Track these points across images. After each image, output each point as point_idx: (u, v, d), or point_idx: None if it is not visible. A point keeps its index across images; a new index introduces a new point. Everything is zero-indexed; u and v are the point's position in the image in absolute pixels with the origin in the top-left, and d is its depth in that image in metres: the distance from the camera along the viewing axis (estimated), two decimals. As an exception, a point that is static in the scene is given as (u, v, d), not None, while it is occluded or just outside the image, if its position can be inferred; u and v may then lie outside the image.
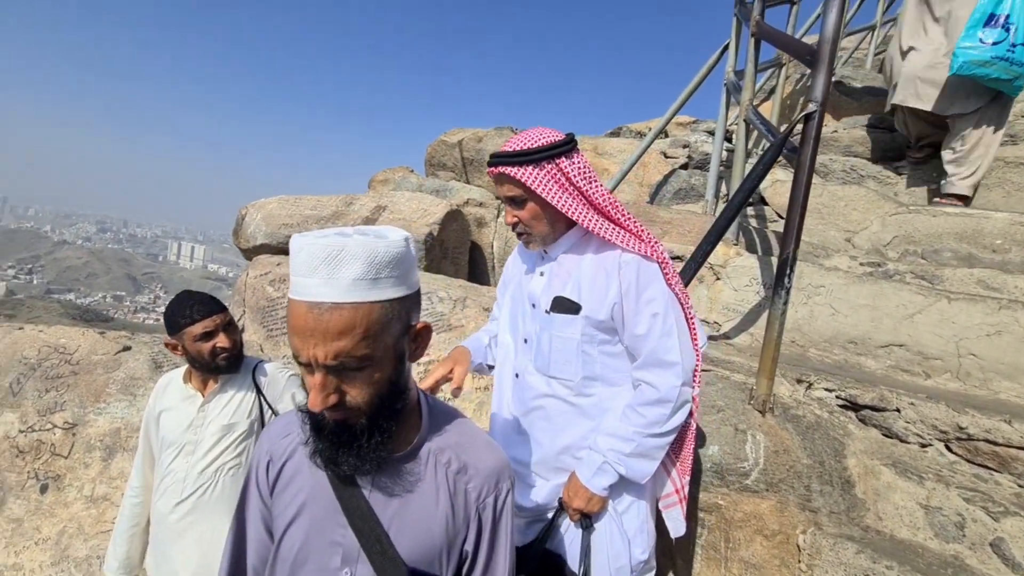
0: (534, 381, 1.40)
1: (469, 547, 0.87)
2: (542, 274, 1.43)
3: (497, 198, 1.32)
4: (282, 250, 3.18)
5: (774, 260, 2.25)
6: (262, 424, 1.76)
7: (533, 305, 1.42)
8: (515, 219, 1.34)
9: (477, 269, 3.99)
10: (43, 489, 2.23)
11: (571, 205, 1.29)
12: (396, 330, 0.76)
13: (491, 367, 1.62)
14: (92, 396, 2.36)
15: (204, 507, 1.64)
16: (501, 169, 1.28)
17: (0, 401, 2.41)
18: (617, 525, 1.35)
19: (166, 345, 1.70)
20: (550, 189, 1.27)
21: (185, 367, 1.77)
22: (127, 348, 2.54)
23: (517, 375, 1.46)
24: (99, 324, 3.88)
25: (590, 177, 1.31)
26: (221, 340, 1.66)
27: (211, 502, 1.65)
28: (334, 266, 0.70)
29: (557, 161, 1.27)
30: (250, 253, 3.31)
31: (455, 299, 2.50)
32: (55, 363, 2.49)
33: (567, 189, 1.29)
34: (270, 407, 1.78)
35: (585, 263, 1.35)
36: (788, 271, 1.71)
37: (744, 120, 2.75)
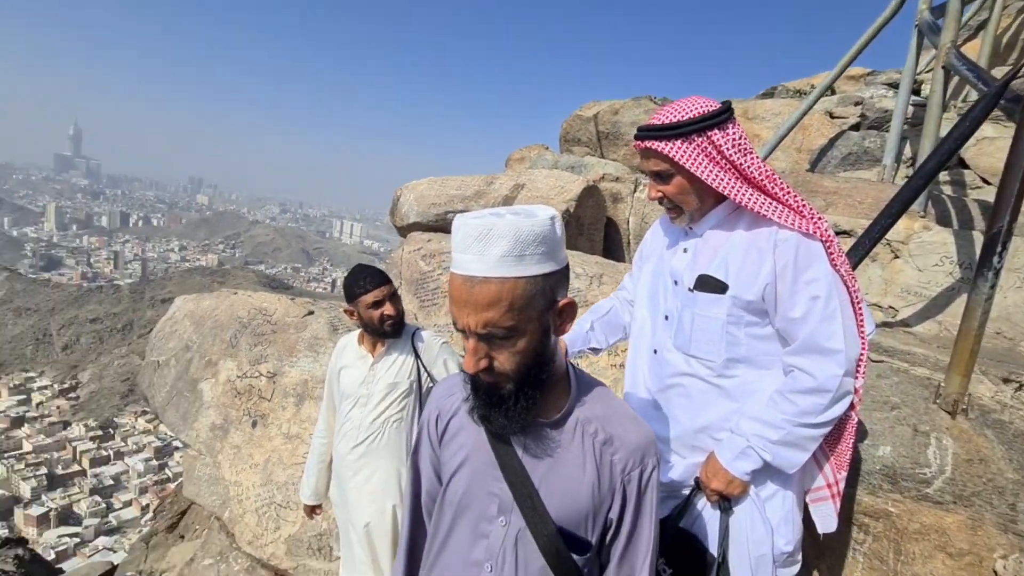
0: (673, 359, 1.37)
1: (614, 516, 0.91)
2: (686, 250, 1.38)
3: (640, 171, 1.27)
4: (432, 228, 3.47)
5: (976, 235, 1.88)
6: (419, 384, 1.99)
7: (675, 282, 1.38)
8: (660, 194, 1.31)
9: (612, 245, 3.95)
10: (254, 424, 2.77)
11: (722, 179, 1.22)
12: (540, 304, 0.81)
13: (594, 349, 1.63)
14: (287, 351, 2.85)
15: (374, 451, 1.92)
16: (648, 144, 1.25)
17: (223, 352, 3.02)
18: (760, 512, 1.29)
19: (344, 311, 1.99)
20: (699, 163, 1.21)
21: (358, 331, 2.05)
22: (311, 313, 3.00)
23: (655, 351, 1.44)
24: (283, 291, 4.60)
25: (745, 149, 1.22)
26: (388, 308, 1.90)
27: (379, 448, 1.92)
28: (484, 243, 0.77)
29: (709, 134, 1.20)
30: (404, 230, 3.66)
31: (591, 275, 2.51)
32: (260, 323, 3.05)
33: (718, 163, 1.21)
34: (426, 370, 1.99)
35: (735, 240, 1.27)
36: (999, 249, 1.42)
37: (943, 66, 2.30)
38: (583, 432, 0.91)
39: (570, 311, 0.87)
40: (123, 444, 69.63)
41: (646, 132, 1.25)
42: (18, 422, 71.85)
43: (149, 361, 3.34)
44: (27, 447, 66.66)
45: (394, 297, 1.96)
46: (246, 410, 2.80)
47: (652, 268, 1.53)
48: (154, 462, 66.16)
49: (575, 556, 0.88)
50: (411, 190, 3.75)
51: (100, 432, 71.86)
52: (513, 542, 0.88)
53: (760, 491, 1.29)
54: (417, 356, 1.99)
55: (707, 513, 1.36)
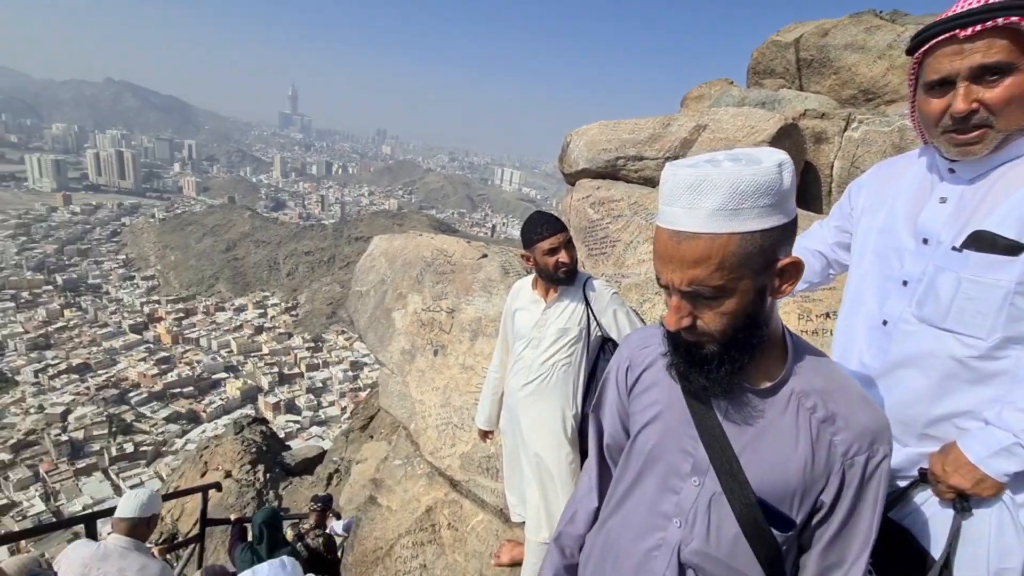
0: (914, 332, 1.14)
1: (827, 499, 0.82)
2: (943, 200, 1.10)
3: (931, 85, 0.91)
4: (601, 174, 3.38)
5: None
6: (588, 332, 2.00)
7: (924, 240, 1.13)
8: (975, 105, 0.97)
9: (808, 195, 3.42)
10: (435, 353, 3.11)
11: None
12: (757, 263, 0.72)
13: None
14: (464, 290, 3.10)
15: (543, 391, 2.01)
16: (1009, 20, 0.89)
17: (411, 286, 3.40)
18: (1012, 518, 1.05)
19: (521, 256, 2.06)
20: None
21: (533, 276, 2.12)
22: (485, 256, 3.20)
23: (885, 323, 1.22)
24: (451, 234, 4.94)
25: None
26: (562, 256, 1.92)
27: (547, 388, 2.01)
28: (695, 195, 0.70)
29: None
30: (572, 177, 3.63)
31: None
32: (441, 262, 3.34)
33: None
34: (595, 318, 1.99)
35: None
36: None
37: None
38: (798, 405, 0.82)
39: (794, 272, 0.76)
40: (328, 356, 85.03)
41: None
42: (259, 330, 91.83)
43: (354, 291, 3.93)
44: (265, 350, 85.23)
45: (569, 245, 1.97)
46: (429, 340, 3.15)
47: (880, 223, 1.27)
48: (351, 373, 79.81)
49: (775, 531, 0.81)
50: (581, 135, 3.66)
51: (313, 344, 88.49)
52: (707, 504, 0.84)
53: (1017, 495, 1.05)
54: (587, 304, 1.99)
55: (930, 510, 1.15)
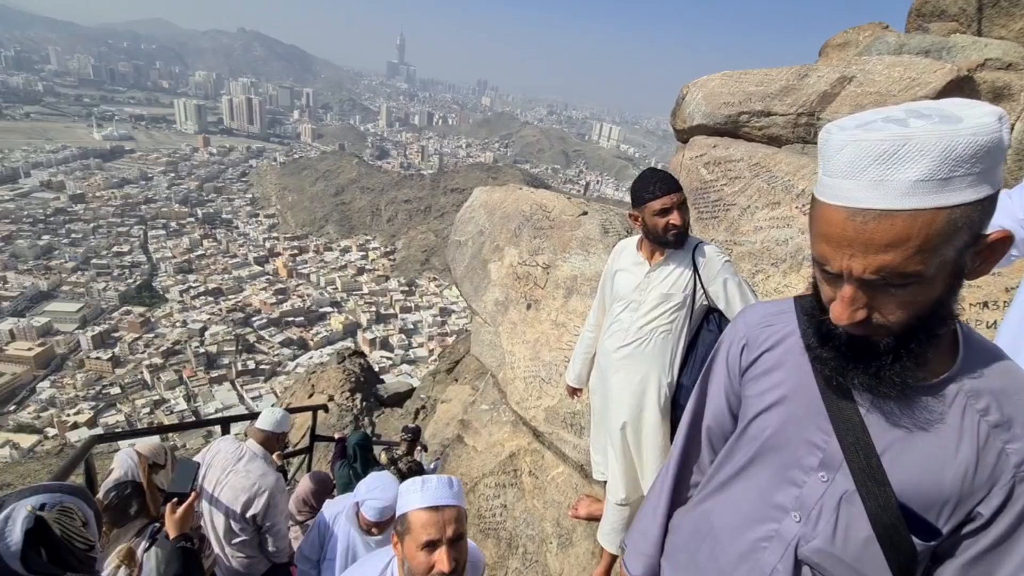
0: None
1: (984, 511, 0.71)
2: None
3: None
4: (719, 131, 3.11)
5: None
6: (693, 300, 1.90)
7: None
8: None
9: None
10: (528, 307, 3.14)
11: None
12: (960, 242, 0.60)
13: None
14: (561, 247, 3.07)
15: (638, 355, 1.96)
16: None
17: (508, 239, 3.42)
18: None
19: (629, 216, 1.97)
20: None
21: (638, 236, 2.02)
22: (584, 213, 3.12)
23: None
24: (544, 189, 4.84)
25: None
26: (674, 218, 1.81)
27: (643, 354, 1.95)
28: (889, 165, 0.58)
29: None
30: (685, 134, 3.38)
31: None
32: (540, 217, 3.32)
33: None
34: (702, 286, 1.88)
35: None
36: None
37: None
38: (966, 406, 0.71)
39: (999, 248, 0.63)
40: (420, 300, 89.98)
41: None
42: (360, 271, 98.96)
43: (452, 240, 4.04)
44: (365, 290, 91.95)
45: (682, 207, 1.85)
46: (523, 293, 3.18)
47: None
48: (439, 318, 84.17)
49: (916, 540, 0.73)
50: (700, 87, 3.37)
51: (407, 288, 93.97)
52: (835, 502, 0.77)
53: None
54: (696, 270, 1.88)
55: None
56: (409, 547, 1.23)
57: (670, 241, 1.86)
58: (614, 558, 2.17)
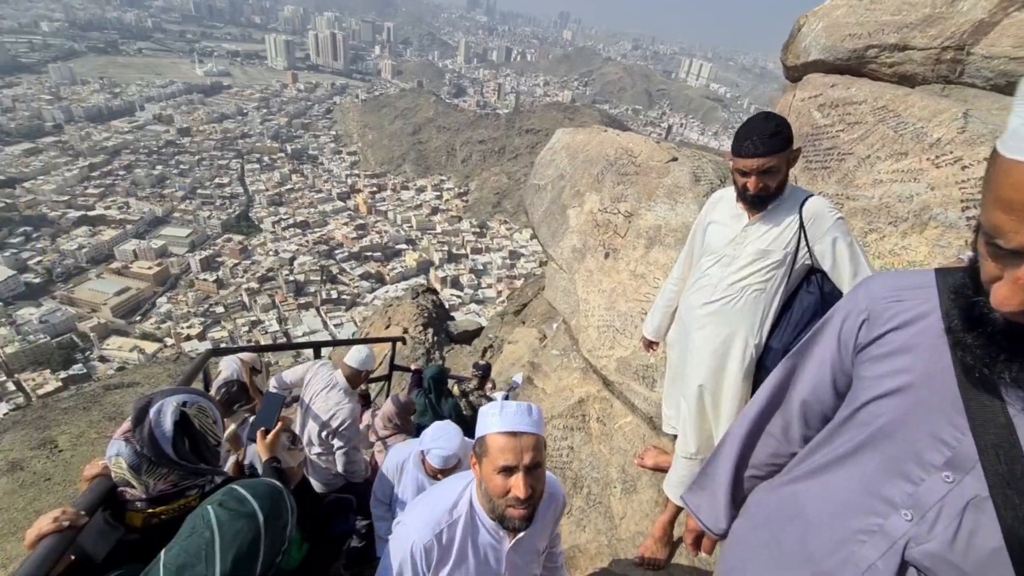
0: None
1: None
2: None
3: None
4: (839, 68, 2.74)
5: None
6: (795, 259, 1.76)
7: None
8: None
9: None
10: (606, 255, 3.07)
11: None
12: None
13: None
14: (646, 195, 2.93)
15: (724, 313, 1.87)
16: None
17: (590, 185, 3.31)
18: None
19: (730, 162, 1.82)
20: None
21: None
22: (675, 159, 2.93)
23: None
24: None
25: None
26: (751, 183, 1.67)
27: (731, 312, 1.86)
28: None
29: None
30: (797, 71, 3.02)
31: None
32: (625, 163, 3.17)
33: None
34: (807, 245, 1.73)
35: None
36: None
37: None
38: None
39: None
40: (491, 242, 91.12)
41: None
42: (434, 211, 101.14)
43: (531, 183, 3.98)
44: (438, 229, 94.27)
45: (769, 173, 1.68)
46: (601, 241, 3.10)
47: None
48: (508, 261, 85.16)
49: None
50: (821, 17, 2.96)
51: (478, 229, 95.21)
52: (960, 507, 0.70)
53: None
54: (802, 227, 1.72)
55: None
56: (486, 469, 1.23)
57: (750, 201, 1.73)
58: (679, 509, 2.19)
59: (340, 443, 2.79)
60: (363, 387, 3.43)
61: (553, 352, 3.52)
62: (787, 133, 1.65)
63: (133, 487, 1.28)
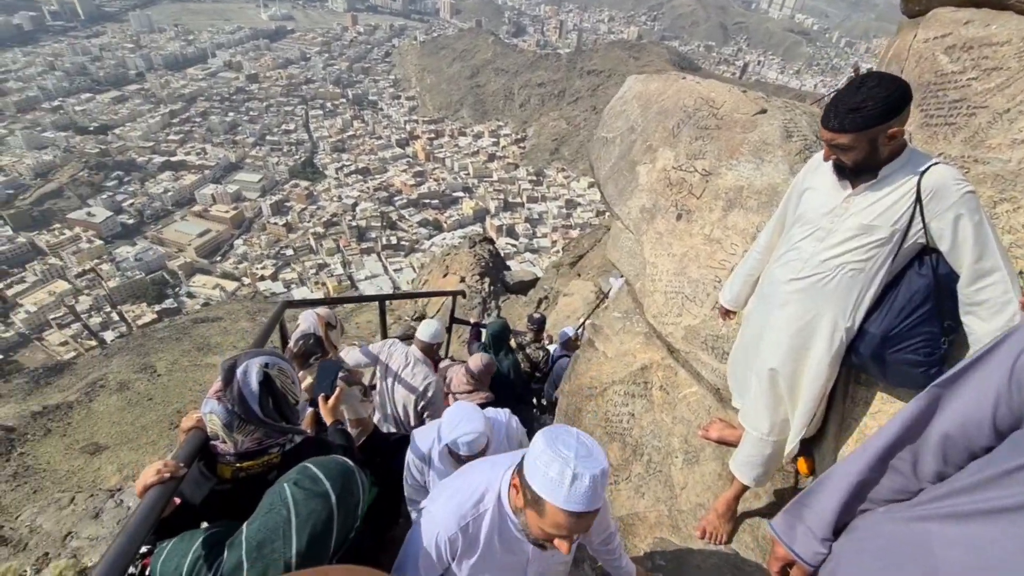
0: None
1: None
2: None
3: None
4: (975, 0, 2.31)
5: None
6: (904, 236, 1.55)
7: None
8: None
9: None
10: (678, 217, 2.88)
11: None
12: None
13: None
14: (727, 152, 2.68)
15: (814, 292, 1.70)
16: None
17: (664, 139, 3.08)
18: None
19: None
20: None
21: None
22: (763, 111, 2.64)
23: None
24: (690, 71, 4.19)
25: None
26: (826, 152, 1.48)
27: (820, 291, 1.69)
28: None
29: None
30: (919, 5, 2.58)
31: None
32: (704, 115, 2.90)
33: None
34: (923, 222, 1.51)
35: None
36: None
37: None
38: None
39: None
40: (547, 191, 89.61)
41: None
42: (491, 158, 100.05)
43: (598, 136, 3.76)
44: (494, 177, 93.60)
45: (849, 150, 1.47)
46: (674, 201, 2.91)
47: None
48: (564, 210, 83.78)
49: None
50: (959, -66, 2.47)
51: (535, 178, 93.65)
52: None
53: None
54: (918, 200, 1.50)
55: None
56: (533, 519, 1.13)
57: (836, 170, 1.54)
58: (744, 487, 2.12)
59: (430, 412, 3.00)
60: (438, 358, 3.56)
61: (615, 314, 3.43)
62: (873, 110, 1.39)
63: (225, 442, 1.37)
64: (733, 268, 2.59)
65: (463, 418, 1.83)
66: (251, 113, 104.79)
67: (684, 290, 2.77)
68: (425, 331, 3.34)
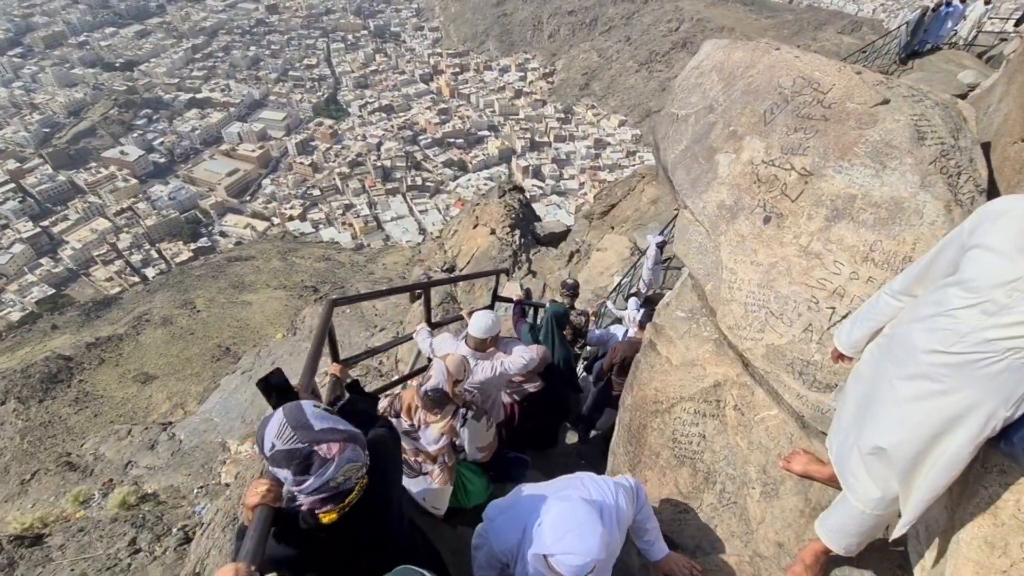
0: None
1: None
2: None
3: None
4: None
5: None
6: None
7: None
8: None
9: None
10: (766, 220, 2.55)
11: None
12: None
13: None
14: (837, 151, 2.30)
15: (967, 373, 1.39)
16: None
17: (752, 126, 2.68)
18: None
19: None
20: None
21: None
22: (885, 102, 2.23)
23: None
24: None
25: None
26: None
27: (978, 374, 1.37)
28: None
29: None
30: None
31: None
32: (807, 100, 2.48)
33: None
34: None
35: None
36: None
37: None
38: None
39: None
40: (575, 130, 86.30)
41: None
42: (518, 93, 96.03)
43: (668, 112, 3.34)
44: (521, 115, 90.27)
45: None
46: (762, 201, 2.56)
47: None
48: (593, 151, 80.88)
49: None
50: None
51: (563, 115, 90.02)
52: None
53: None
54: None
55: None
56: None
57: None
58: (828, 551, 1.94)
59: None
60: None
61: (678, 314, 3.18)
62: None
63: (300, 485, 1.37)
64: (835, 291, 2.29)
65: (572, 528, 1.46)
66: (272, 47, 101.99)
67: (770, 305, 2.48)
68: (478, 326, 3.07)
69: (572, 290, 4.71)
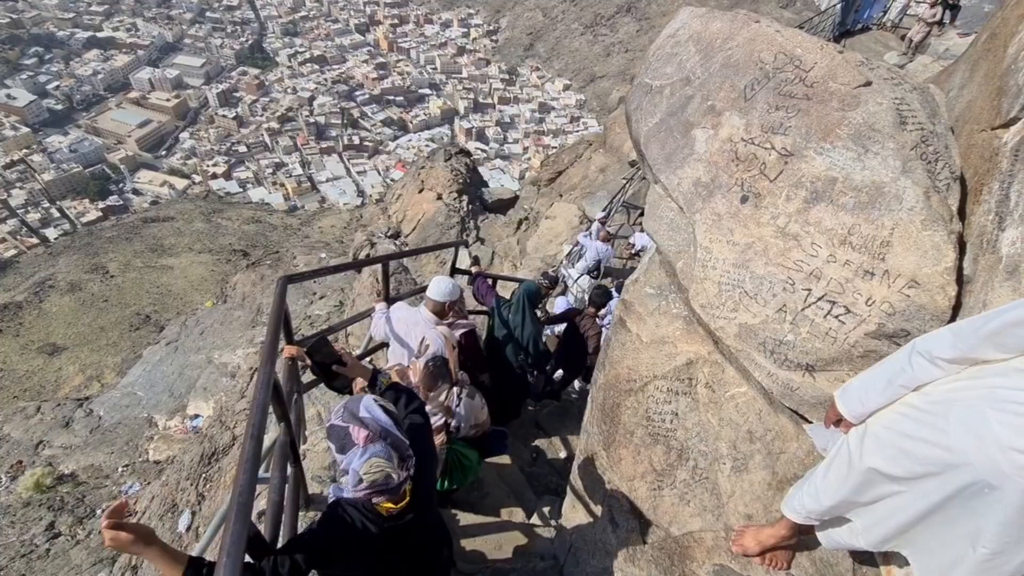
0: None
1: None
2: None
3: None
4: None
5: None
6: None
7: None
8: None
9: None
10: (743, 200, 2.53)
11: None
12: None
13: None
14: (819, 132, 2.28)
15: None
16: None
17: (732, 102, 2.62)
18: None
19: None
20: None
21: None
22: (867, 84, 2.22)
23: None
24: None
25: None
26: None
27: None
28: None
29: None
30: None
31: None
32: (789, 78, 2.45)
33: None
34: None
35: None
36: None
37: None
38: None
39: None
40: (520, 92, 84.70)
41: None
42: (461, 50, 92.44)
43: (641, 82, 3.22)
44: (464, 73, 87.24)
45: None
46: (740, 180, 2.54)
47: None
48: (537, 115, 79.93)
49: None
50: None
51: (507, 76, 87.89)
52: None
53: None
54: None
55: None
56: None
57: None
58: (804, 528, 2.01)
59: None
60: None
61: (647, 290, 3.17)
62: None
63: (391, 478, 1.48)
64: (812, 272, 2.32)
65: None
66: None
67: (744, 285, 2.50)
68: (436, 289, 2.93)
69: (551, 280, 4.70)
